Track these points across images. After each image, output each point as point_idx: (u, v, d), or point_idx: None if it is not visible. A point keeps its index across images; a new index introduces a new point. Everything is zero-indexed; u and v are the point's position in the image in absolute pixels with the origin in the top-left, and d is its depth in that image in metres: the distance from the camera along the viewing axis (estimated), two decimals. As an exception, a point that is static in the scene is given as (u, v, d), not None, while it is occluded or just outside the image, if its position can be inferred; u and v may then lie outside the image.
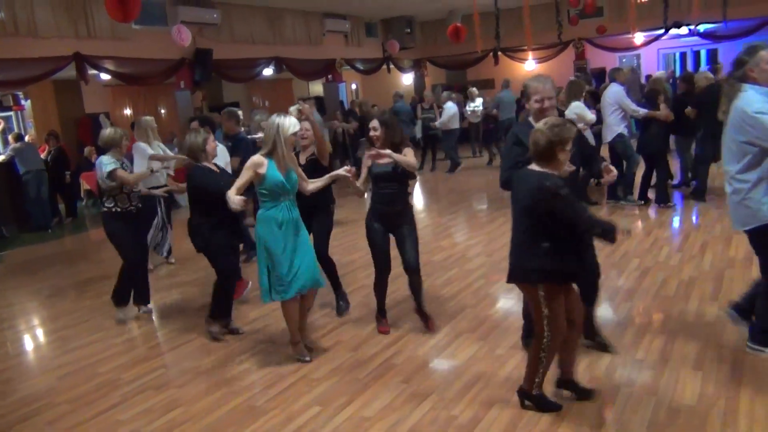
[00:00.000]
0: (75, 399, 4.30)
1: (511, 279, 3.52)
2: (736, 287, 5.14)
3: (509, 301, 5.31)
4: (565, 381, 3.67)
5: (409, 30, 18.39)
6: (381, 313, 5.02)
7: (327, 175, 4.77)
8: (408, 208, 4.82)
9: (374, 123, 4.70)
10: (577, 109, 8.06)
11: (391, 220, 4.72)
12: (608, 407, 3.56)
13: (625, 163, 8.62)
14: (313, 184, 4.70)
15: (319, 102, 16.22)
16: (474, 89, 14.94)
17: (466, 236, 8.06)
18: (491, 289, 5.75)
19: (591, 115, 8.31)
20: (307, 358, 4.53)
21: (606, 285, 5.51)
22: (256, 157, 4.36)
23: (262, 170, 4.30)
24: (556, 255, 3.29)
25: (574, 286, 3.56)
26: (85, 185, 13.50)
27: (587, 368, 4.01)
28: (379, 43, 18.31)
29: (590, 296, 4.03)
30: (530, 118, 3.97)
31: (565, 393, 3.66)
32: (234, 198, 4.24)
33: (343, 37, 16.65)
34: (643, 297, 5.24)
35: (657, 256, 6.28)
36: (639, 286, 5.50)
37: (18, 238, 10.52)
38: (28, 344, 5.73)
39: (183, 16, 11.64)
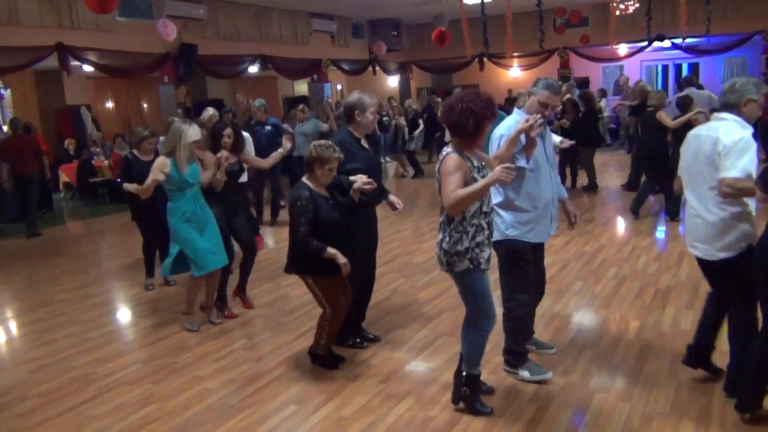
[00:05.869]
0: (47, 393, 4.24)
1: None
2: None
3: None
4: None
5: (395, 32, 18.42)
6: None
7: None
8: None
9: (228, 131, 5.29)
10: None
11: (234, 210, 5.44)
12: (582, 413, 3.59)
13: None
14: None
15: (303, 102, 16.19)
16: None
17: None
18: (470, 292, 5.76)
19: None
20: (195, 329, 5.14)
21: (583, 292, 5.59)
22: (160, 159, 4.99)
23: (167, 169, 4.90)
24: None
25: None
26: (64, 177, 13.33)
27: (563, 374, 4.04)
28: (366, 44, 18.31)
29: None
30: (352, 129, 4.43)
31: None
32: (129, 187, 5.30)
33: (330, 37, 16.63)
34: (619, 305, 5.29)
35: (634, 265, 6.35)
36: (616, 294, 5.55)
37: (-7, 229, 10.36)
38: (0, 337, 5.64)
39: (169, 10, 11.57)
